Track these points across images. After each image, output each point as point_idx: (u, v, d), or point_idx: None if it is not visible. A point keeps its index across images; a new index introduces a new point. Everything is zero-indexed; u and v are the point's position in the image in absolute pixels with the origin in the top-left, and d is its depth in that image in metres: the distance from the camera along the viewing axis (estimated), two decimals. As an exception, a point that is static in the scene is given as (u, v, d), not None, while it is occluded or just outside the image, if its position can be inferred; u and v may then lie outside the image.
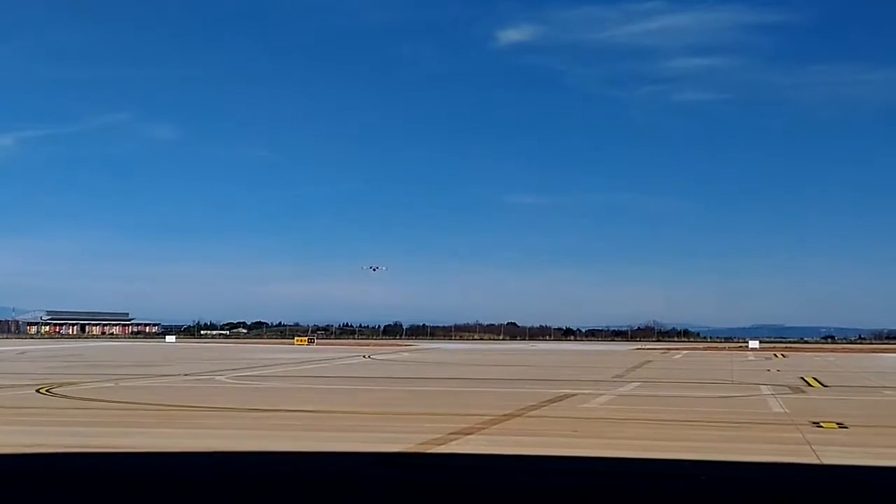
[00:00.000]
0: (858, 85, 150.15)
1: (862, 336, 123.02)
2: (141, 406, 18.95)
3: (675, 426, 15.77)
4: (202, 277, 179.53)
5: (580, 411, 18.30)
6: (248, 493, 9.41)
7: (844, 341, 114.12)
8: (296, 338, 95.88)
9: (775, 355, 58.90)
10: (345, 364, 42.54)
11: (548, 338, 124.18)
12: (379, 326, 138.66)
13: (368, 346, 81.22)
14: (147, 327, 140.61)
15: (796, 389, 25.25)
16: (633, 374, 33.69)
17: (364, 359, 49.01)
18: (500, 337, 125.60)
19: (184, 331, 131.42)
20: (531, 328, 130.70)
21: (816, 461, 11.50)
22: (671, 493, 9.53)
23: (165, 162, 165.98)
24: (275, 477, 10.33)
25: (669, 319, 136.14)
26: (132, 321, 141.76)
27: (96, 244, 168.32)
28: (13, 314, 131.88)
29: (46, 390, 22.73)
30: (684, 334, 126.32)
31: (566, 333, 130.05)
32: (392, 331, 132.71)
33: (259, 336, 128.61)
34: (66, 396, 21.23)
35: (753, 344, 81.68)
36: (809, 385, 27.43)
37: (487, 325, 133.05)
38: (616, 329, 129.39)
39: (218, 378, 29.48)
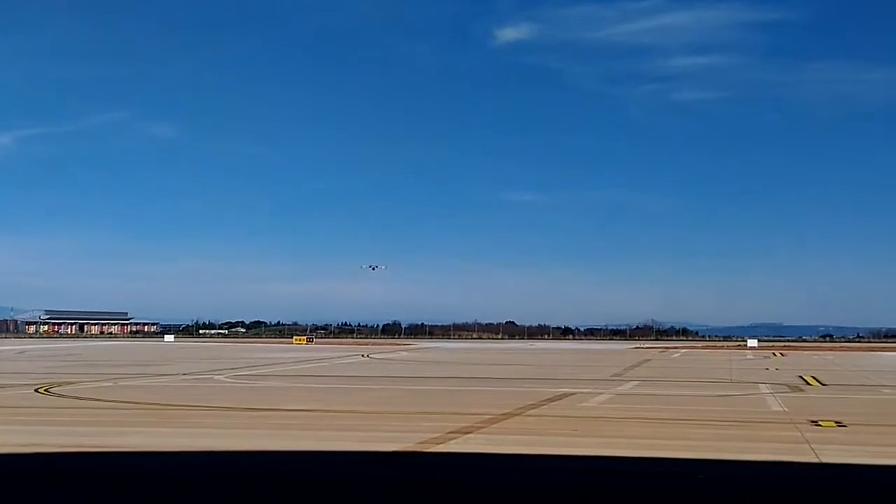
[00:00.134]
0: (857, 83, 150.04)
1: (860, 335, 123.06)
2: (139, 406, 18.93)
3: (674, 425, 15.77)
4: (201, 276, 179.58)
5: (579, 410, 18.30)
6: (246, 492, 9.40)
7: (843, 340, 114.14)
8: (294, 337, 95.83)
9: (774, 354, 58.94)
10: (343, 363, 42.53)
11: (546, 337, 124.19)
12: (377, 325, 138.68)
13: (367, 345, 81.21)
14: (146, 327, 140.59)
15: (795, 388, 25.26)
16: (632, 373, 33.70)
17: (363, 358, 48.99)
18: (499, 336, 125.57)
19: (182, 330, 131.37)
20: (530, 327, 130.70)
21: (815, 460, 11.50)
22: (670, 492, 9.52)
23: (164, 160, 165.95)
24: (273, 476, 10.32)
25: (668, 318, 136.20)
26: (131, 320, 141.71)
27: (95, 243, 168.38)
28: (12, 313, 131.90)
29: (45, 390, 22.71)
30: (683, 333, 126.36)
31: (565, 332, 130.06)
32: (391, 330, 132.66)
33: (258, 335, 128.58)
34: (64, 396, 21.21)
35: (752, 343, 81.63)
36: (808, 384, 27.44)
37: (486, 325, 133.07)
38: (615, 328, 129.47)
39: (216, 377, 29.47)
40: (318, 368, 37.25)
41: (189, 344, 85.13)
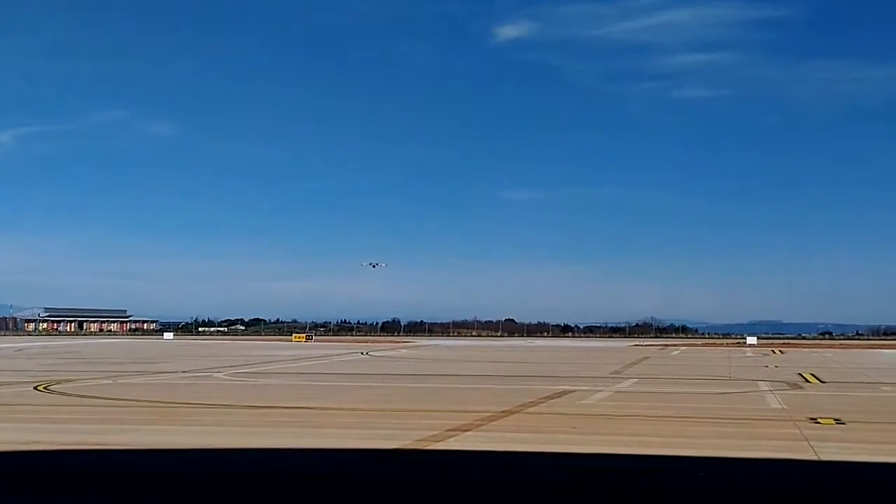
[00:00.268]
0: (857, 81, 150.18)
1: (859, 332, 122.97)
2: (138, 403, 18.93)
3: (673, 422, 15.77)
4: (200, 274, 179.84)
5: (578, 408, 18.30)
6: (247, 490, 9.39)
7: (842, 337, 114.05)
8: (294, 335, 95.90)
9: (773, 351, 58.96)
10: (343, 361, 42.53)
11: (546, 334, 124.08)
12: (377, 323, 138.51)
13: (366, 342, 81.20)
14: (145, 324, 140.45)
15: (794, 385, 25.28)
16: (631, 371, 33.71)
17: (362, 356, 49.01)
18: (498, 333, 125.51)
19: (182, 328, 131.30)
20: (529, 325, 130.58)
21: (814, 457, 11.50)
22: (669, 490, 9.52)
23: (164, 159, 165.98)
24: (272, 474, 10.32)
25: (667, 316, 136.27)
26: (130, 318, 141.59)
27: (94, 241, 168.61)
28: (11, 311, 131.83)
29: (44, 387, 22.70)
30: (682, 331, 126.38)
31: (564, 330, 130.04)
32: (390, 328, 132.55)
33: (257, 333, 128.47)
34: (63, 393, 21.20)
35: (751, 340, 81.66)
36: (807, 381, 27.46)
37: (485, 322, 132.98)
38: (614, 325, 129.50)
39: (216, 375, 29.47)
40: (317, 366, 37.25)
41: (188, 342, 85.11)
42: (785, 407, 18.40)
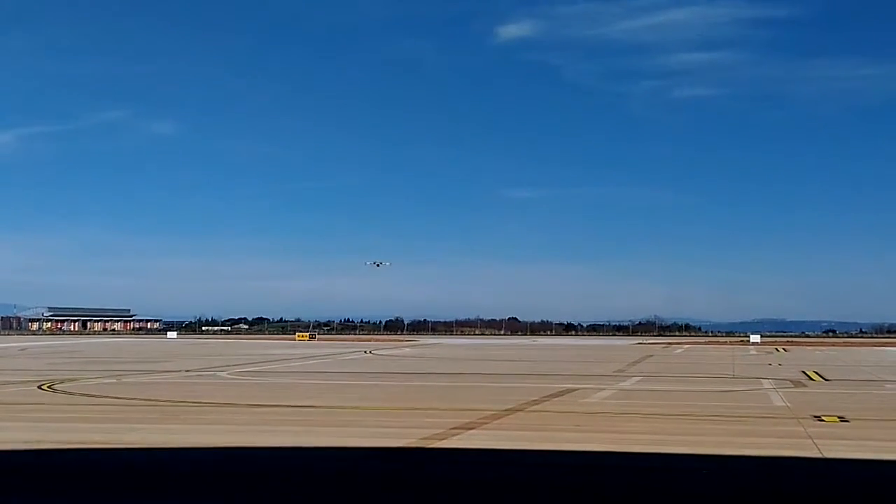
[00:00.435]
0: (858, 79, 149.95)
1: (863, 330, 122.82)
2: (142, 402, 18.95)
3: (677, 420, 15.76)
4: (203, 273, 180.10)
5: (582, 406, 18.29)
6: (250, 487, 9.40)
7: (846, 335, 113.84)
8: (297, 333, 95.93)
9: (776, 349, 58.88)
10: (346, 360, 42.55)
11: (549, 333, 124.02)
12: (380, 322, 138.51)
13: (370, 341, 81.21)
14: (148, 323, 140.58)
15: (798, 383, 25.25)
16: (635, 369, 33.69)
17: (365, 354, 49.03)
18: (502, 332, 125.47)
19: (185, 327, 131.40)
20: (532, 323, 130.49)
21: (818, 455, 11.49)
22: (673, 488, 9.51)
23: (167, 158, 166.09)
24: (277, 472, 10.32)
25: (671, 314, 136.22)
26: (134, 317, 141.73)
27: (97, 240, 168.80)
28: (14, 311, 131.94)
29: (48, 386, 22.74)
30: (685, 329, 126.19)
31: (567, 328, 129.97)
32: (393, 326, 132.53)
33: (260, 332, 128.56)
34: (67, 393, 21.23)
35: (755, 338, 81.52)
36: (811, 379, 27.43)
37: (489, 320, 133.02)
38: (617, 324, 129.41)
39: (219, 374, 29.50)
40: (321, 365, 37.26)
41: (192, 341, 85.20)
42: (789, 405, 18.38)
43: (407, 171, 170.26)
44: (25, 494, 8.98)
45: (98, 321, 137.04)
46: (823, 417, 15.54)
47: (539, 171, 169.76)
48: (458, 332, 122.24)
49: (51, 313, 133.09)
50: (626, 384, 25.29)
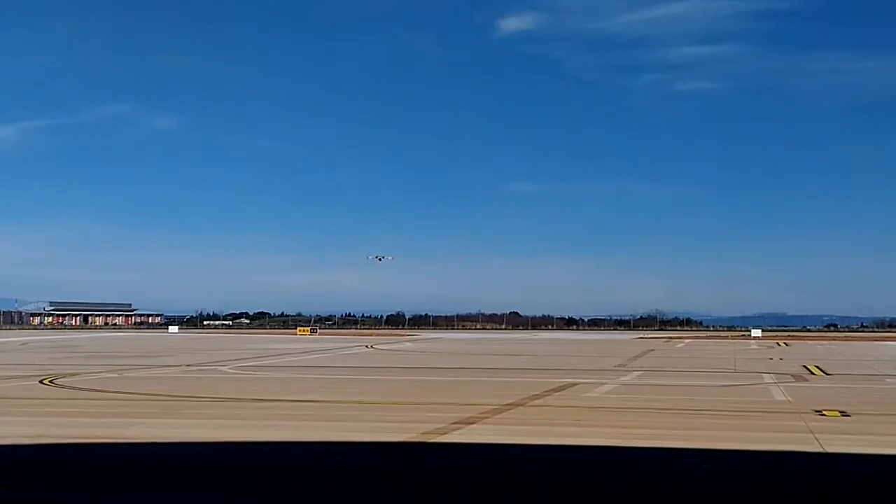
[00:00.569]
0: (860, 72, 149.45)
1: (864, 324, 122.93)
2: (143, 396, 18.97)
3: (678, 415, 15.77)
4: (205, 268, 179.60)
5: (583, 400, 18.30)
6: (251, 481, 9.40)
7: (847, 330, 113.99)
8: (298, 328, 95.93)
9: (778, 344, 58.91)
10: (348, 354, 42.59)
11: (550, 327, 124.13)
12: (381, 316, 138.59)
13: (371, 335, 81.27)
14: (150, 318, 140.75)
15: (799, 378, 25.25)
16: (636, 363, 33.70)
17: (366, 349, 49.06)
18: (503, 326, 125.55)
19: (187, 321, 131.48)
20: (534, 317, 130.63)
21: (819, 449, 11.49)
22: (674, 482, 9.52)
23: (168, 152, 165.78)
24: (278, 466, 10.33)
25: (672, 308, 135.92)
26: (135, 312, 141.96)
27: (99, 235, 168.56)
28: (16, 305, 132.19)
29: (49, 381, 22.76)
30: (687, 323, 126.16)
31: (569, 323, 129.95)
32: (394, 320, 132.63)
33: (262, 326, 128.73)
34: (68, 387, 21.26)
35: (756, 332, 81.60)
36: (812, 373, 27.43)
37: (490, 315, 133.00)
38: (619, 318, 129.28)
39: (221, 368, 29.53)
40: (322, 359, 37.30)
41: (193, 335, 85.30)
42: (790, 399, 18.38)
43: (408, 164, 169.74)
44: (27, 489, 8.98)
45: (99, 315, 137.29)
46: (824, 412, 15.55)
47: (540, 164, 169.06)
48: (460, 327, 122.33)
49: (52, 307, 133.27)
50: (627, 379, 25.30)
